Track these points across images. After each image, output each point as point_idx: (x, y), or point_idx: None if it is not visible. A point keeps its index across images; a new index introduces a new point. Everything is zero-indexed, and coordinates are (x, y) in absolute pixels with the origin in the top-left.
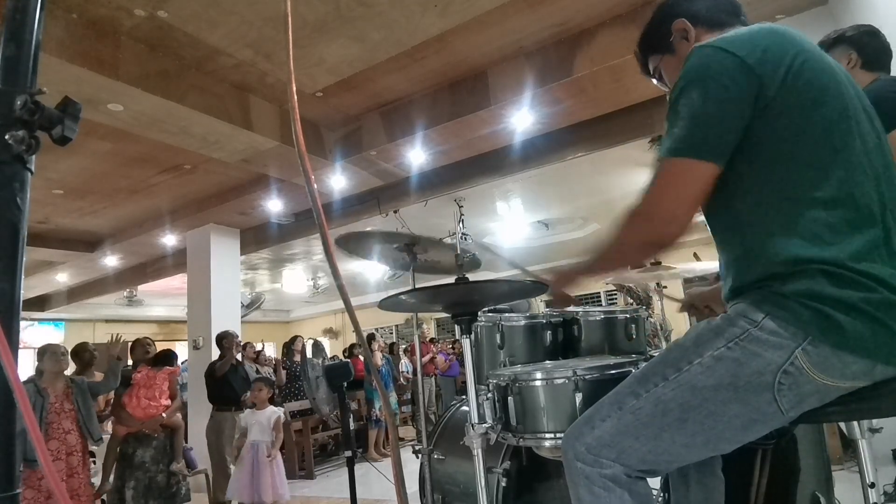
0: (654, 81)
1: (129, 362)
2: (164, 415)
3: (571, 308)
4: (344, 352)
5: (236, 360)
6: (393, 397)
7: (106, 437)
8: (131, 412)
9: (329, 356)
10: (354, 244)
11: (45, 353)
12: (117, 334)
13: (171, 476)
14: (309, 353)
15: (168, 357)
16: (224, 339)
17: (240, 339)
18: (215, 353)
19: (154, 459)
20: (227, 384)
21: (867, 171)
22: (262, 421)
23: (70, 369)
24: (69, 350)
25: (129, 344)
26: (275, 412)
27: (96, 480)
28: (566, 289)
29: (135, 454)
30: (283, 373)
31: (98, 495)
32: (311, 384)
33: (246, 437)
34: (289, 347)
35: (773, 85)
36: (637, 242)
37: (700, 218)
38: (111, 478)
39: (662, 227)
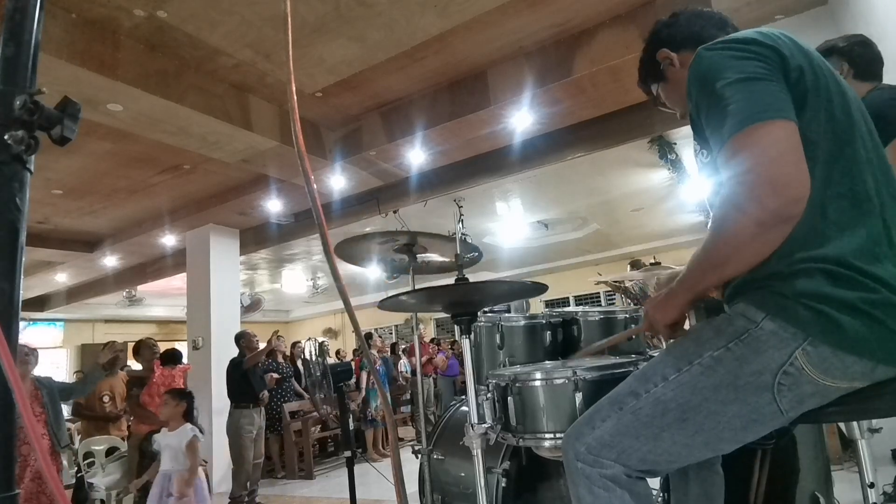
0: (660, 107)
1: (131, 364)
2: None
3: (569, 307)
4: (354, 351)
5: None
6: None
7: (94, 437)
8: (155, 410)
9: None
10: (352, 251)
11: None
12: (113, 342)
13: None
14: (310, 354)
15: (175, 356)
16: (241, 339)
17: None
18: (215, 353)
19: None
20: (247, 381)
21: (868, 170)
22: (174, 444)
23: (59, 369)
24: (75, 348)
25: (133, 345)
26: (187, 434)
27: (97, 480)
28: (661, 319)
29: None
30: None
31: (127, 492)
32: (311, 384)
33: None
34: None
35: (790, 68)
36: (751, 228)
37: (697, 218)
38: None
39: (785, 191)
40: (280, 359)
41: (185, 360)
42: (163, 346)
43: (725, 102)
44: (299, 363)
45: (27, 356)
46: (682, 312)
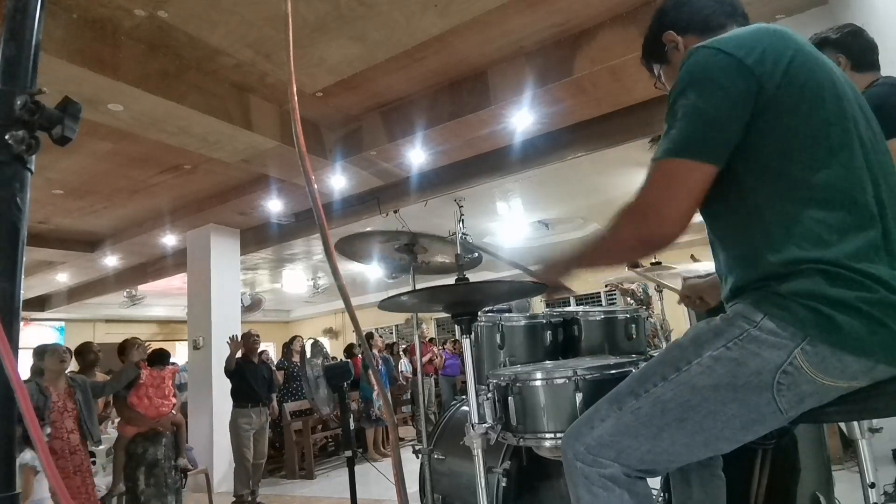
0: (660, 88)
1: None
2: (173, 412)
3: (569, 307)
4: (344, 352)
5: (259, 358)
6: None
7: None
8: (143, 412)
9: (330, 356)
10: (353, 248)
11: (46, 351)
12: (135, 338)
13: (177, 471)
14: (308, 353)
15: (164, 356)
16: (242, 339)
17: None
18: (216, 353)
19: (166, 456)
20: (245, 381)
21: (866, 172)
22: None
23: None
24: (72, 349)
25: (118, 345)
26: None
27: (98, 480)
28: (558, 279)
29: (146, 453)
30: (280, 373)
31: (110, 496)
32: (310, 384)
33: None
34: (287, 347)
35: (772, 85)
36: (630, 241)
37: (698, 218)
38: (121, 478)
39: (657, 227)
40: (296, 358)
41: (186, 359)
42: (165, 346)
43: (672, 122)
44: (296, 358)
45: (65, 354)
46: (562, 276)
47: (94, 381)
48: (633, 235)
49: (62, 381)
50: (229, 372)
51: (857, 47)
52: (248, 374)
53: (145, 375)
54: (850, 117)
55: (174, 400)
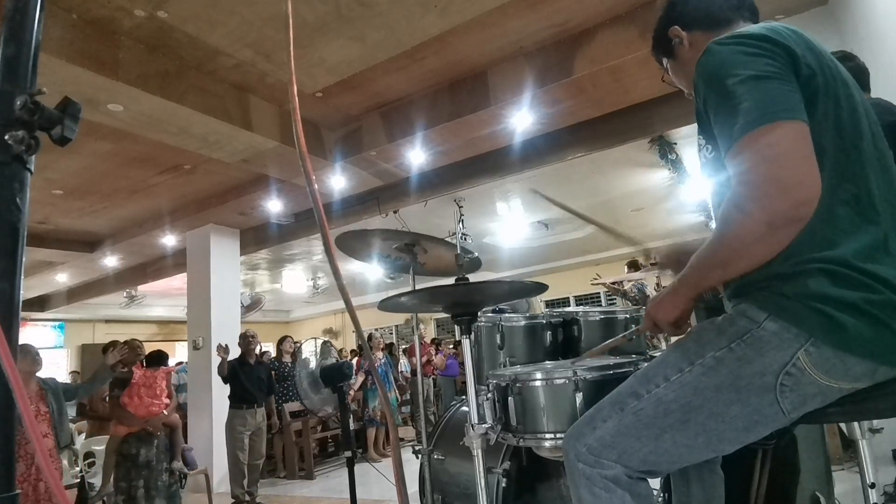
0: (668, 82)
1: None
2: (165, 412)
3: (569, 307)
4: (351, 352)
5: (258, 358)
6: (391, 397)
7: (94, 437)
8: (133, 412)
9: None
10: (354, 244)
11: (19, 352)
12: (132, 340)
13: (172, 474)
14: (310, 354)
15: (161, 357)
16: (239, 340)
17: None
18: (215, 353)
19: (158, 458)
20: (238, 382)
21: (872, 175)
22: None
23: (59, 369)
24: (74, 349)
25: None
26: None
27: (97, 480)
28: (664, 317)
29: (138, 454)
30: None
31: (98, 496)
32: (305, 385)
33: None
34: (278, 348)
35: (801, 68)
36: (760, 226)
37: (700, 218)
38: (111, 479)
39: (795, 193)
40: (286, 358)
41: (185, 359)
42: (165, 347)
43: (736, 101)
44: (286, 359)
45: (38, 356)
46: (685, 309)
47: (67, 384)
48: (762, 219)
49: (33, 383)
50: (224, 377)
51: (849, 71)
52: (242, 376)
53: (138, 375)
54: (860, 118)
55: (167, 401)
